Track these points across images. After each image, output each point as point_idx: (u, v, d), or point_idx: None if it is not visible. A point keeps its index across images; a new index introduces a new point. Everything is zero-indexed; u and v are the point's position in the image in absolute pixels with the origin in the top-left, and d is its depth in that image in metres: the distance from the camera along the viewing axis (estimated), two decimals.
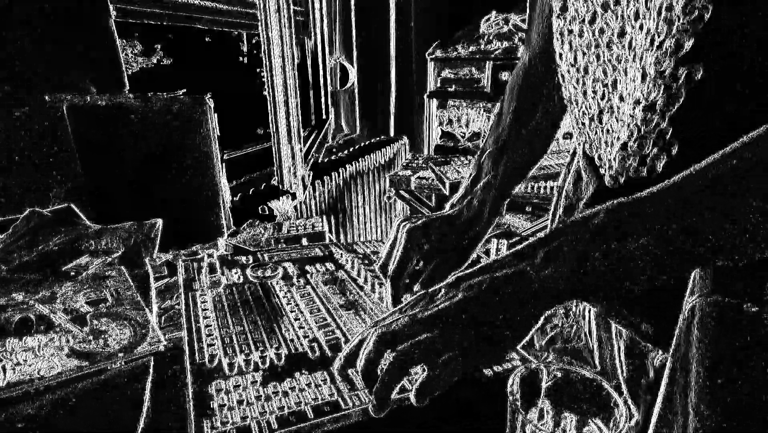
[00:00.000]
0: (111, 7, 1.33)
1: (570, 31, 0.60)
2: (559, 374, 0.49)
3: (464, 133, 3.25)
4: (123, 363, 0.65)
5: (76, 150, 1.25)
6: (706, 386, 0.37)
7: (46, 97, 1.21)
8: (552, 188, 1.96)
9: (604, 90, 0.57)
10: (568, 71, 0.63)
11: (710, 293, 0.40)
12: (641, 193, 0.42)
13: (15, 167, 1.20)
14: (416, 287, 0.71)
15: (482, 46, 3.06)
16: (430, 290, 0.51)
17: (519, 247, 0.48)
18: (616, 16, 0.53)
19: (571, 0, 0.59)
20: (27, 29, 1.18)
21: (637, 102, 0.50)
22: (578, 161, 0.72)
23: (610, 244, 0.42)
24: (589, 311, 0.76)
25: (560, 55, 0.63)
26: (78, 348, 0.67)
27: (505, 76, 2.99)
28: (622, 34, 0.53)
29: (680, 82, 0.46)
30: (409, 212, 3.16)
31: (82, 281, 0.87)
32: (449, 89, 3.22)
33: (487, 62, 3.02)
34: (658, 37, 0.46)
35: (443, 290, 0.49)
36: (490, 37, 3.03)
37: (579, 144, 0.67)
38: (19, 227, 1.03)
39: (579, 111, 0.63)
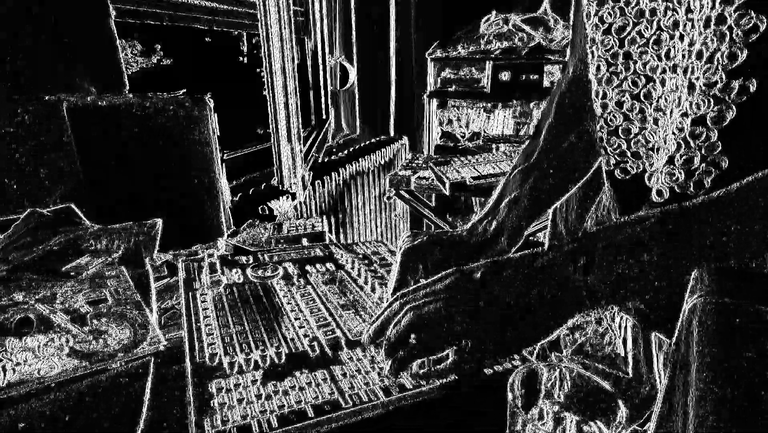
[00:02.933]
0: (111, 7, 1.33)
1: (593, 40, 0.58)
2: (559, 375, 0.49)
3: (464, 133, 3.25)
4: (123, 363, 0.65)
5: (76, 150, 1.25)
6: (706, 386, 0.37)
7: (46, 97, 1.21)
8: None
9: (633, 101, 0.55)
10: (595, 80, 0.60)
11: (710, 293, 0.40)
12: (686, 204, 0.42)
13: (15, 167, 1.20)
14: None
15: (482, 46, 3.06)
16: (464, 268, 0.50)
17: (559, 244, 0.47)
18: (651, 25, 0.52)
19: (606, 7, 0.57)
20: (27, 29, 1.18)
21: (685, 115, 0.48)
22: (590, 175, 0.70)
23: (652, 255, 0.42)
24: (623, 319, 0.74)
25: (598, 66, 0.60)
26: (78, 348, 0.67)
27: (505, 76, 2.99)
28: (657, 42, 0.51)
29: (733, 95, 0.45)
30: (409, 213, 3.16)
31: (82, 281, 0.87)
32: (449, 89, 3.22)
33: (487, 62, 3.02)
34: (707, 49, 0.45)
35: (479, 274, 0.49)
36: (490, 37, 3.03)
37: (600, 153, 0.63)
38: (19, 227, 1.03)
39: (599, 123, 0.60)
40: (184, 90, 1.41)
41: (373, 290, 0.81)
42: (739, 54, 0.43)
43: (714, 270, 0.40)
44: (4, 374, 0.61)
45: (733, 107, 0.45)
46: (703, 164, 0.48)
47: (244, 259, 0.94)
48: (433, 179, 2.15)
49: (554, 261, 0.46)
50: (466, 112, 3.24)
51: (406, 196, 2.28)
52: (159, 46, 1.95)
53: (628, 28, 0.54)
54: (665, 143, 0.52)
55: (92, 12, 1.31)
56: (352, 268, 0.89)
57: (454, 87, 3.21)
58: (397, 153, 3.07)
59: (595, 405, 0.47)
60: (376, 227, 2.98)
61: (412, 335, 0.49)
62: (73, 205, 1.15)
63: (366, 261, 0.93)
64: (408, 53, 3.22)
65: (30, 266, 0.92)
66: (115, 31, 1.35)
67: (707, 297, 0.40)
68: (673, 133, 0.50)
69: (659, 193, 0.53)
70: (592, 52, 0.59)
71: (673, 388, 0.41)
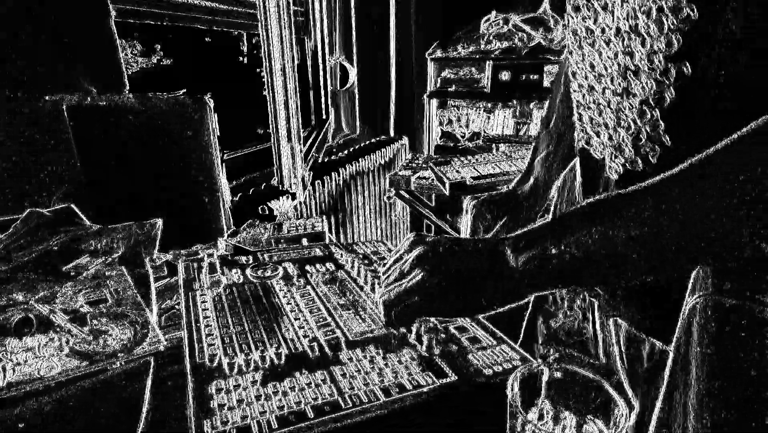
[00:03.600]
0: (111, 7, 1.33)
1: (578, 30, 0.64)
2: (559, 375, 0.49)
3: (464, 133, 3.25)
4: (123, 363, 0.65)
5: (76, 150, 1.25)
6: (706, 386, 0.37)
7: (46, 97, 1.21)
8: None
9: (604, 87, 0.60)
10: (577, 67, 0.66)
11: (710, 293, 0.40)
12: (620, 192, 0.46)
13: (15, 167, 1.20)
14: None
15: (482, 46, 3.06)
16: (412, 253, 0.58)
17: (508, 235, 0.54)
18: (614, 16, 0.56)
19: (582, 1, 0.62)
20: (27, 29, 1.18)
21: (634, 96, 0.53)
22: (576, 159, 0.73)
23: (583, 239, 0.45)
24: (592, 305, 0.77)
25: (571, 52, 0.67)
26: (78, 348, 0.67)
27: (505, 76, 2.99)
28: (617, 33, 0.56)
29: (671, 78, 0.49)
30: (409, 213, 3.16)
31: (82, 281, 0.87)
32: (449, 89, 3.22)
33: (487, 62, 3.02)
34: (649, 37, 0.50)
35: (419, 252, 0.57)
36: (490, 37, 3.03)
37: (578, 142, 0.69)
38: (19, 227, 1.03)
39: (584, 106, 0.65)
40: (184, 90, 1.41)
41: (372, 289, 0.81)
42: (674, 41, 0.48)
43: (713, 271, 0.41)
44: (4, 374, 0.61)
45: (672, 90, 0.50)
46: (649, 142, 0.53)
47: (244, 259, 0.94)
48: (433, 179, 2.15)
49: (494, 244, 0.53)
50: (466, 112, 3.24)
51: (406, 196, 2.28)
52: (159, 46, 1.95)
53: (599, 19, 0.59)
54: (618, 123, 0.57)
55: (92, 12, 1.31)
56: (352, 268, 0.89)
57: (454, 87, 3.21)
58: (397, 153, 3.07)
59: (595, 405, 0.47)
60: (376, 227, 2.97)
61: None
62: (73, 206, 1.15)
63: (366, 261, 0.93)
64: (408, 53, 3.22)
65: (30, 266, 0.92)
66: (115, 31, 1.35)
67: (707, 297, 0.40)
68: (624, 113, 0.55)
69: (613, 170, 0.59)
70: (580, 41, 0.65)
71: (673, 388, 0.41)
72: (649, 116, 0.53)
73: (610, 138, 0.59)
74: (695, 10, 0.45)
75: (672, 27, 0.48)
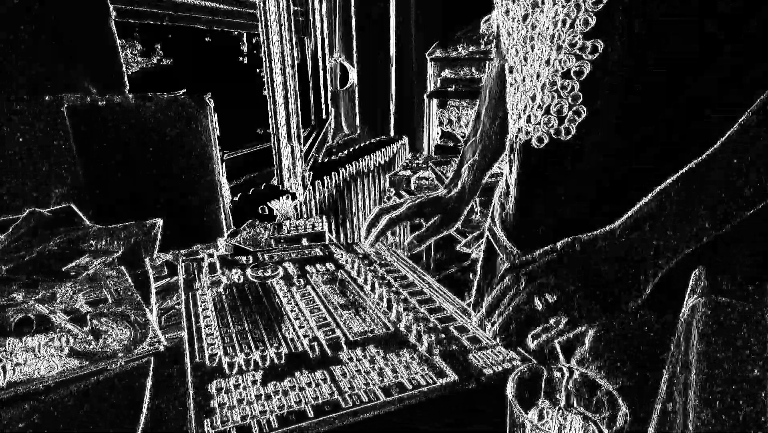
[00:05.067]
0: (111, 7, 1.33)
1: (511, 30, 0.71)
2: (559, 374, 0.49)
3: (464, 133, 3.25)
4: (123, 363, 0.65)
5: (76, 150, 1.25)
6: (706, 386, 0.37)
7: (46, 97, 1.21)
8: None
9: (536, 71, 0.67)
10: (514, 63, 0.73)
11: (710, 293, 0.40)
12: (700, 162, 0.51)
13: (15, 167, 1.20)
14: (410, 238, 0.98)
15: (482, 46, 3.06)
16: (563, 243, 0.59)
17: (628, 219, 0.56)
18: (535, 8, 0.64)
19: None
20: (27, 29, 1.18)
21: (556, 71, 0.61)
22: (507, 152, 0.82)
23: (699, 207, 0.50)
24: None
25: (507, 50, 0.74)
26: (78, 348, 0.67)
27: None
28: (525, 18, 0.65)
29: (587, 53, 0.57)
30: None
31: (82, 281, 0.87)
32: (449, 89, 3.22)
33: (487, 62, 3.02)
34: (569, 18, 0.58)
35: (579, 246, 0.57)
36: (490, 37, 3.03)
37: (510, 132, 0.76)
38: (19, 227, 1.03)
39: (515, 94, 0.72)
40: (184, 90, 1.41)
41: (372, 289, 0.81)
42: (590, 20, 0.56)
43: (713, 271, 0.41)
44: (4, 374, 0.61)
45: (588, 63, 0.58)
46: (569, 112, 0.61)
47: (244, 259, 0.94)
48: (433, 179, 2.15)
49: (627, 231, 0.55)
50: (466, 112, 3.24)
51: (406, 196, 2.28)
52: (159, 46, 1.95)
53: (529, 16, 0.66)
54: (551, 100, 0.64)
55: (92, 12, 1.31)
56: (352, 268, 0.89)
57: (454, 87, 3.21)
58: (397, 153, 3.07)
59: (595, 405, 0.47)
60: None
61: (534, 303, 0.57)
62: (73, 205, 1.15)
63: (366, 261, 0.93)
64: (408, 53, 3.22)
65: (30, 266, 0.92)
66: (115, 31, 1.35)
67: (707, 297, 0.40)
68: (549, 90, 0.63)
69: (539, 139, 0.66)
70: (511, 39, 0.72)
71: (673, 388, 0.41)
72: (569, 88, 0.60)
73: (544, 115, 0.66)
74: None
75: (588, 8, 0.56)
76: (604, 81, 0.57)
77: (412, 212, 0.95)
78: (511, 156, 0.77)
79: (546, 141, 0.65)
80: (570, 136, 0.62)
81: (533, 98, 0.66)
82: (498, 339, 0.61)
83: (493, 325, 0.61)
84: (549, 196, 0.68)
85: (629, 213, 0.56)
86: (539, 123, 0.65)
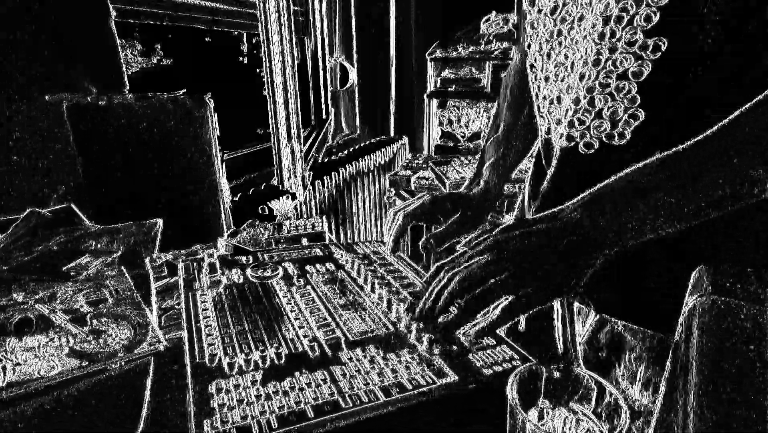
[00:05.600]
0: (111, 7, 1.33)
1: (536, 22, 0.67)
2: (559, 375, 0.49)
3: (464, 133, 3.25)
4: (123, 363, 0.65)
5: (76, 150, 1.25)
6: (706, 386, 0.37)
7: (46, 97, 1.21)
8: None
9: (564, 72, 0.64)
10: (536, 59, 0.69)
11: (710, 293, 0.40)
12: (680, 147, 0.48)
13: (15, 167, 1.20)
14: (425, 238, 0.86)
15: (482, 46, 3.06)
16: (498, 230, 0.56)
17: (570, 204, 0.53)
18: (577, 4, 0.60)
19: None
20: (27, 29, 1.18)
21: (610, 71, 0.57)
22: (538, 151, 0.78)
23: (655, 197, 0.48)
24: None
25: (530, 45, 0.70)
26: (78, 348, 0.67)
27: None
28: (581, 19, 0.60)
29: (648, 52, 0.53)
30: None
31: (82, 281, 0.87)
32: (449, 89, 3.22)
33: (487, 62, 3.02)
34: (627, 14, 0.53)
35: (516, 232, 0.54)
36: (490, 37, 3.03)
37: (540, 132, 0.73)
38: (19, 227, 1.03)
39: (543, 94, 0.69)
40: (184, 90, 1.41)
41: (372, 289, 0.81)
42: (653, 16, 0.51)
43: (713, 270, 0.41)
44: (4, 374, 0.61)
45: (649, 63, 0.53)
46: (625, 116, 0.57)
47: (244, 259, 0.94)
48: (433, 179, 2.15)
49: (572, 213, 0.52)
50: (466, 112, 3.24)
51: (406, 196, 2.28)
52: (159, 46, 1.95)
53: (559, 9, 0.63)
54: (586, 101, 0.60)
55: (92, 12, 1.31)
56: (352, 268, 0.89)
57: (454, 87, 3.21)
58: (397, 153, 3.07)
59: (594, 405, 0.47)
60: (376, 227, 2.97)
61: (455, 303, 0.54)
62: (73, 205, 1.15)
63: (366, 261, 0.93)
64: (408, 53, 3.22)
65: (30, 266, 0.92)
66: (115, 31, 1.35)
67: (707, 297, 0.40)
68: (598, 91, 0.59)
69: (588, 145, 0.62)
70: (537, 33, 0.68)
71: (673, 388, 0.41)
72: (626, 90, 0.56)
73: (594, 119, 0.61)
74: None
75: (651, 2, 0.51)
76: (665, 82, 0.53)
77: (427, 208, 0.87)
78: (544, 158, 0.73)
79: (596, 146, 0.60)
80: (624, 140, 0.57)
81: (576, 101, 0.62)
82: (424, 341, 0.57)
83: (418, 326, 0.57)
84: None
85: (585, 193, 0.53)
86: (588, 128, 0.61)
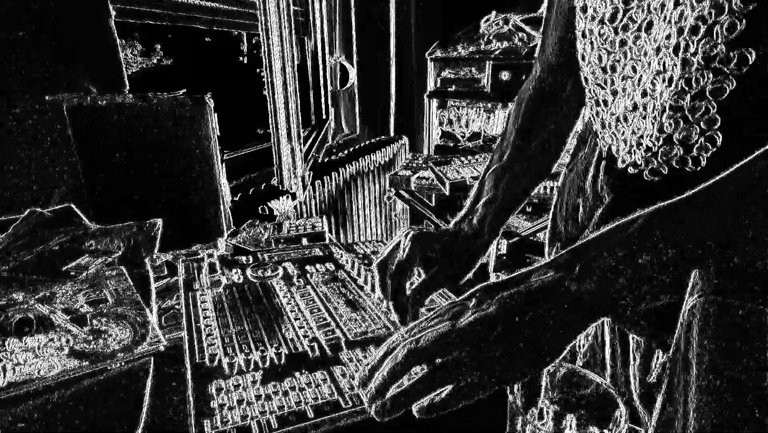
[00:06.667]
0: (111, 7, 1.33)
1: (591, 31, 0.59)
2: (559, 375, 0.49)
3: (464, 133, 3.25)
4: (123, 363, 0.65)
5: (76, 150, 1.25)
6: (706, 386, 0.37)
7: (46, 97, 1.21)
8: (552, 189, 1.96)
9: (632, 88, 0.56)
10: (593, 72, 0.61)
11: (710, 293, 0.40)
12: (673, 201, 0.40)
13: (15, 167, 1.20)
14: (408, 292, 0.67)
15: (482, 46, 3.06)
16: (459, 299, 0.47)
17: (554, 258, 0.45)
18: (642, 9, 0.52)
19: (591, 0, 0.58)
20: (27, 29, 1.18)
21: (683, 91, 0.49)
22: (586, 163, 0.70)
23: (648, 254, 0.40)
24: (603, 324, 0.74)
25: (583, 56, 0.62)
26: (78, 348, 0.67)
27: (505, 76, 2.99)
28: (649, 27, 0.52)
29: (732, 65, 0.45)
30: (409, 213, 3.16)
31: (82, 281, 0.87)
32: (449, 89, 3.22)
33: (487, 62, 3.02)
34: (704, 23, 0.45)
35: (474, 300, 0.45)
36: (490, 37, 3.03)
37: (600, 146, 0.65)
38: (19, 227, 1.03)
39: (607, 112, 0.60)
40: (184, 90, 1.41)
41: (373, 289, 0.81)
42: (738, 24, 0.43)
43: (714, 270, 0.40)
44: (4, 374, 0.61)
45: (733, 79, 0.45)
46: (701, 139, 0.49)
47: (244, 259, 0.94)
48: (433, 179, 2.16)
49: (549, 277, 0.43)
50: (466, 112, 3.24)
51: (406, 196, 2.28)
52: (159, 46, 1.95)
53: (619, 15, 0.55)
54: (661, 127, 0.52)
55: (92, 12, 1.31)
56: (352, 268, 0.89)
57: (454, 87, 3.21)
58: (397, 153, 3.07)
59: (594, 405, 0.47)
60: (376, 227, 2.97)
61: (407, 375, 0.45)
62: (73, 205, 1.15)
63: (366, 261, 0.93)
64: (408, 53, 3.22)
65: (30, 266, 0.92)
66: (115, 31, 1.35)
67: (707, 297, 0.40)
68: (667, 114, 0.51)
69: (654, 172, 0.54)
70: (591, 43, 0.60)
71: (673, 388, 0.41)
72: (704, 110, 0.48)
73: (664, 145, 0.54)
74: None
75: (735, 8, 0.43)
76: (750, 100, 0.46)
77: (414, 254, 0.68)
78: (593, 184, 0.65)
79: (665, 173, 0.54)
80: (699, 167, 0.50)
81: (644, 123, 0.54)
82: (373, 408, 0.45)
83: (367, 392, 0.46)
84: None
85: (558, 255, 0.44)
86: (655, 154, 0.54)
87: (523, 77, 2.98)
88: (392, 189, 2.25)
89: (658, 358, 0.63)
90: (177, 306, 0.86)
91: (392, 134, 3.29)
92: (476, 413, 0.57)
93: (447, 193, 2.04)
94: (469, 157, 2.28)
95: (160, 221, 1.10)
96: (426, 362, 0.44)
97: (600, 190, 0.64)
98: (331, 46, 2.87)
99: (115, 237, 1.03)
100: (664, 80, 0.50)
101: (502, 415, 0.47)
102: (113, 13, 1.34)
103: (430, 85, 3.27)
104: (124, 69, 1.38)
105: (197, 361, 0.61)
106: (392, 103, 3.28)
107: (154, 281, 0.91)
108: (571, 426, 0.48)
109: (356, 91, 3.09)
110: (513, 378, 0.43)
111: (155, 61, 1.93)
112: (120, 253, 0.98)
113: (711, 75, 0.46)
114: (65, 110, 1.23)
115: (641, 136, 0.55)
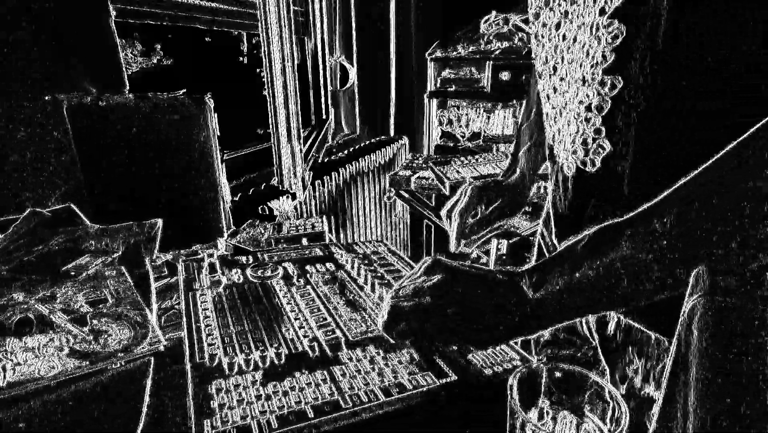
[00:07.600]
0: (111, 7, 1.33)
1: (542, 35, 0.68)
2: (559, 374, 0.49)
3: (464, 133, 3.25)
4: (123, 363, 0.65)
5: (76, 150, 1.25)
6: (706, 386, 0.37)
7: (46, 97, 1.21)
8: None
9: (564, 90, 0.64)
10: (542, 69, 0.69)
11: (710, 293, 0.40)
12: (618, 220, 0.48)
13: (15, 167, 1.20)
14: (470, 223, 0.92)
15: (482, 46, 3.06)
16: (446, 269, 0.58)
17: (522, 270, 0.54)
18: (572, 24, 0.60)
19: (540, 5, 0.66)
20: (27, 29, 1.18)
21: (581, 102, 0.59)
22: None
23: (593, 269, 0.47)
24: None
25: (535, 54, 0.71)
26: (78, 348, 0.67)
27: (505, 76, 2.99)
28: (574, 40, 0.60)
29: (607, 89, 0.55)
30: (409, 213, 3.16)
31: (82, 281, 0.87)
32: (449, 89, 3.22)
33: (487, 62, 3.02)
34: (592, 49, 0.55)
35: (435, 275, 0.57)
36: (490, 37, 3.03)
37: (548, 139, 0.74)
38: (19, 227, 1.03)
39: (549, 106, 0.69)
40: (184, 90, 1.41)
41: (372, 289, 0.81)
42: (608, 56, 0.53)
43: (713, 270, 0.40)
44: (4, 374, 0.61)
45: (609, 99, 0.55)
46: (594, 145, 0.59)
47: (244, 259, 0.94)
48: (433, 179, 2.15)
49: (511, 276, 0.54)
50: (466, 112, 3.24)
51: (406, 196, 2.28)
52: (159, 46, 1.95)
53: (562, 26, 0.63)
54: (576, 128, 0.61)
55: (92, 12, 1.31)
56: (352, 268, 0.89)
57: (454, 87, 3.21)
58: (397, 153, 3.07)
59: (594, 404, 0.47)
60: (376, 227, 2.97)
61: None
62: (73, 205, 1.15)
63: (366, 261, 0.93)
64: (408, 53, 3.22)
65: (30, 266, 0.92)
66: (115, 31, 1.35)
67: (707, 297, 0.40)
68: (575, 118, 0.61)
69: (568, 167, 0.64)
70: (540, 45, 0.69)
71: (673, 388, 0.41)
72: (592, 122, 0.58)
73: (571, 144, 0.63)
74: (623, 30, 0.51)
75: (606, 43, 0.52)
76: (624, 120, 0.54)
77: (477, 198, 0.92)
78: (551, 173, 0.74)
79: (573, 170, 0.63)
80: (595, 168, 0.59)
81: (568, 124, 0.63)
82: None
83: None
84: (576, 223, 0.65)
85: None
86: (568, 151, 0.63)
87: (523, 77, 2.99)
88: (392, 189, 2.25)
89: (658, 358, 0.64)
90: (177, 306, 0.86)
91: (392, 134, 3.29)
92: (476, 414, 0.57)
93: (447, 193, 2.04)
94: (469, 157, 2.28)
95: (160, 221, 1.10)
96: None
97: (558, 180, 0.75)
98: (331, 46, 2.87)
99: (115, 237, 1.03)
100: (576, 94, 0.60)
101: (502, 415, 0.47)
102: (113, 13, 1.34)
103: (430, 85, 3.27)
104: (124, 69, 1.38)
105: (197, 361, 0.61)
106: (392, 104, 3.28)
107: (154, 281, 0.91)
108: (571, 426, 0.48)
109: (356, 91, 3.09)
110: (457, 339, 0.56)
111: (155, 61, 1.93)
112: (120, 253, 0.98)
113: (596, 93, 0.56)
114: (65, 110, 1.23)
115: (562, 133, 0.65)
